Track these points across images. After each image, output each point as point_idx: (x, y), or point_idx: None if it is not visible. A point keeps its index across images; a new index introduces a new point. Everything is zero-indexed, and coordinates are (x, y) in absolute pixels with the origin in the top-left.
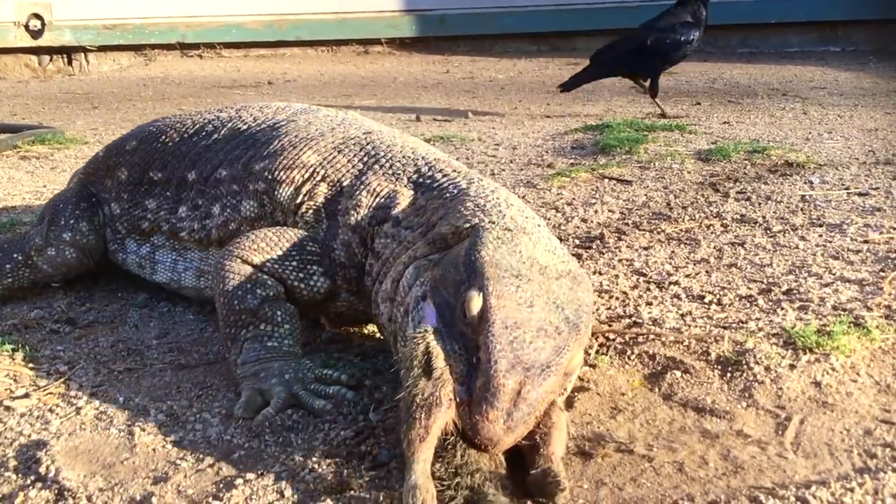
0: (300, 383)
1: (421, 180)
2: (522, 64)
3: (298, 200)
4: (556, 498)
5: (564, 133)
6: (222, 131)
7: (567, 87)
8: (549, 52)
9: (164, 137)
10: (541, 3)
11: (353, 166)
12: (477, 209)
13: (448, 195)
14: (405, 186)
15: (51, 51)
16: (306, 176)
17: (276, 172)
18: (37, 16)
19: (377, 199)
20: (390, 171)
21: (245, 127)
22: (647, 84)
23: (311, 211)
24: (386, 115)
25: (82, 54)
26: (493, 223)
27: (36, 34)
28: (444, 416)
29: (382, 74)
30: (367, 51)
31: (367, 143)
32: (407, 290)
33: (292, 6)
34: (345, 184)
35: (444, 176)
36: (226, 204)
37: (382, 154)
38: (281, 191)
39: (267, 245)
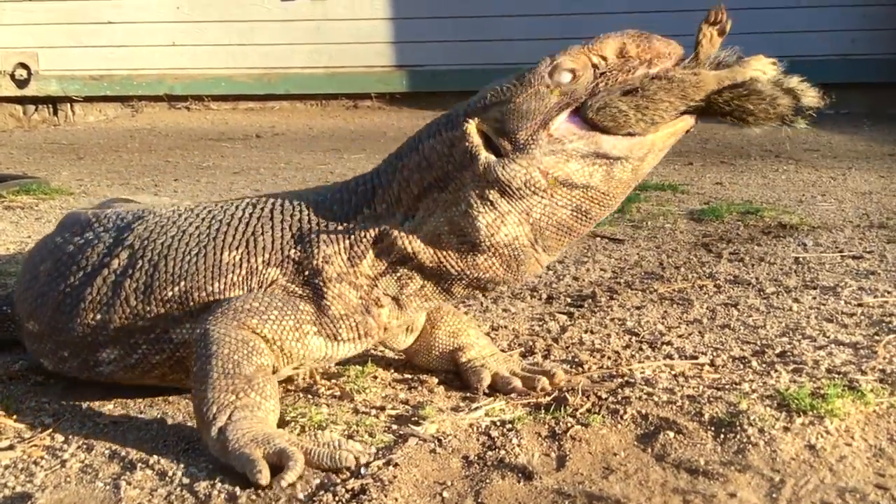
0: (308, 442)
1: (346, 193)
2: None
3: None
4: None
5: None
6: (41, 278)
7: None
8: None
9: None
10: (533, 59)
11: (282, 237)
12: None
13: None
14: (345, 216)
15: (36, 100)
16: (244, 273)
17: (209, 286)
18: (23, 65)
19: (343, 242)
20: (316, 216)
21: (78, 265)
22: None
23: (279, 290)
24: None
25: (68, 104)
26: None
27: (22, 84)
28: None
29: (372, 129)
30: (357, 105)
31: (261, 215)
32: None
33: (282, 60)
34: (292, 254)
35: (364, 178)
36: (134, 342)
37: (287, 211)
38: (231, 297)
39: (261, 305)
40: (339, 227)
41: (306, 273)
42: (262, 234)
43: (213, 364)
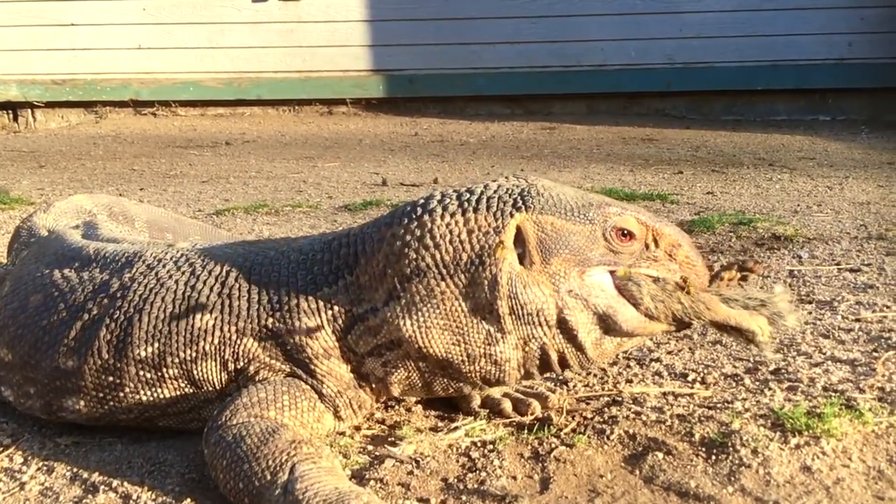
0: None
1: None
2: (495, 127)
3: (238, 367)
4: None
5: None
6: (29, 309)
7: None
8: (524, 116)
9: None
10: (514, 64)
11: (259, 301)
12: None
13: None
14: (326, 281)
15: None
16: (216, 342)
17: (181, 352)
18: None
19: (326, 314)
20: (295, 278)
21: (65, 304)
22: None
23: (262, 370)
24: (350, 178)
25: (29, 110)
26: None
27: None
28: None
29: (347, 136)
30: (332, 111)
31: (238, 274)
32: (545, 299)
33: (253, 64)
34: (270, 324)
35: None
36: (102, 397)
37: (265, 269)
38: (203, 367)
39: (268, 395)
40: (320, 296)
41: (288, 347)
42: (239, 296)
43: (248, 444)
